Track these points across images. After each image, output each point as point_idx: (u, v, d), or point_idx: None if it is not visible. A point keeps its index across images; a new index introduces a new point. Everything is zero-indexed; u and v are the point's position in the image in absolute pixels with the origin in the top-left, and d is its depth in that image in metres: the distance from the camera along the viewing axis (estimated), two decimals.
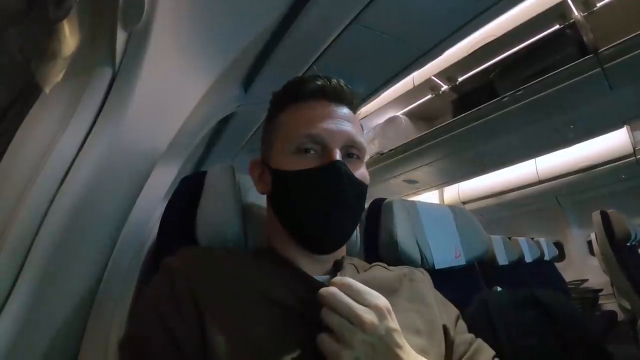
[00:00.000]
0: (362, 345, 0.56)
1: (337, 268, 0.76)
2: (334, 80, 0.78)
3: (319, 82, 0.76)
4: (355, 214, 0.76)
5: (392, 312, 0.61)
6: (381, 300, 0.60)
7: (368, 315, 0.57)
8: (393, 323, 0.59)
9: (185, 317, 0.59)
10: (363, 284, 0.66)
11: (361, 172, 0.76)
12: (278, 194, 0.75)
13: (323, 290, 0.60)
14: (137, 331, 0.62)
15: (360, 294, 0.60)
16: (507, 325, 1.17)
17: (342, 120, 0.74)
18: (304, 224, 0.72)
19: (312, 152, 0.72)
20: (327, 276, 0.73)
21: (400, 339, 0.59)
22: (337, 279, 0.63)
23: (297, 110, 0.76)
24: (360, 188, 0.75)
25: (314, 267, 0.74)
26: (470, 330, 0.83)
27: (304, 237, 0.73)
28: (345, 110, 0.77)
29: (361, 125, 0.83)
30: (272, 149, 0.77)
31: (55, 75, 0.77)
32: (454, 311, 0.84)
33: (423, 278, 0.87)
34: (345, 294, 0.59)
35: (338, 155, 0.71)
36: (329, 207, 0.70)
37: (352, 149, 0.75)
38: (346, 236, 0.76)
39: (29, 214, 0.71)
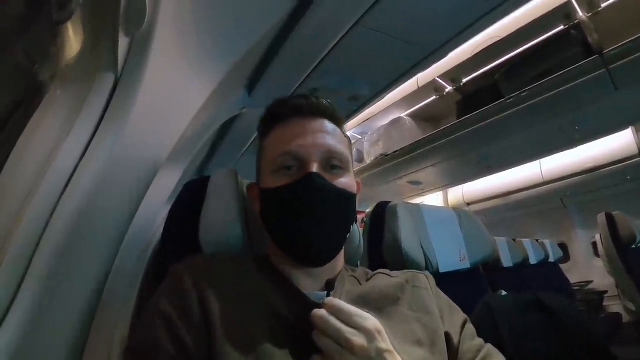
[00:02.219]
0: None
1: (330, 286, 0.76)
2: (313, 98, 0.80)
3: (296, 102, 0.79)
4: (340, 224, 0.76)
5: (383, 333, 0.61)
6: (370, 322, 0.60)
7: (357, 339, 0.57)
8: (384, 344, 0.59)
9: (193, 325, 0.60)
10: (364, 296, 0.67)
11: (345, 182, 0.76)
12: (265, 211, 0.78)
13: (314, 313, 0.61)
14: (145, 337, 0.62)
15: (350, 316, 0.60)
16: (512, 329, 1.16)
17: (318, 134, 0.76)
18: (288, 237, 0.73)
19: (292, 169, 0.73)
20: (323, 293, 0.73)
21: (392, 358, 0.59)
22: (328, 300, 0.63)
23: (275, 131, 0.79)
24: (342, 197, 0.75)
25: (309, 282, 0.75)
26: None
27: (291, 251, 0.73)
28: (322, 123, 0.79)
29: (347, 136, 0.84)
30: (260, 172, 0.80)
31: (58, 81, 0.77)
32: (460, 317, 0.83)
33: (426, 283, 0.86)
34: (335, 316, 0.60)
35: (315, 168, 0.72)
36: (307, 220, 0.71)
37: (332, 160, 0.76)
38: (333, 247, 0.76)
39: (32, 219, 0.70)
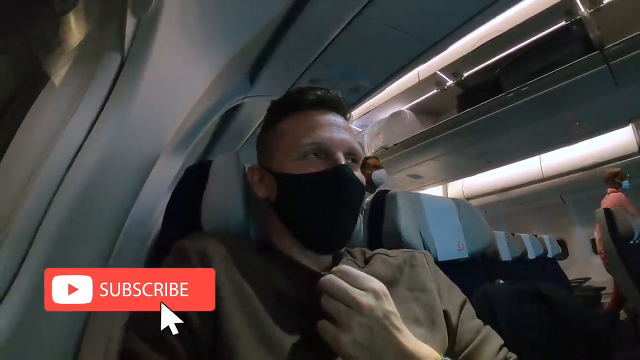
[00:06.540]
0: (360, 328, 0.57)
1: (337, 258, 0.80)
2: (332, 92, 0.82)
3: (319, 93, 0.80)
4: (357, 214, 0.80)
5: (389, 296, 0.63)
6: (377, 284, 0.62)
7: (365, 298, 0.59)
8: (390, 306, 0.61)
9: None
10: None
11: (360, 175, 0.79)
12: (285, 196, 0.77)
13: (322, 279, 0.63)
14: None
15: (357, 278, 0.62)
16: (510, 317, 1.17)
17: (341, 129, 0.78)
18: (313, 224, 0.74)
19: (318, 157, 0.75)
20: (327, 272, 0.74)
21: (398, 322, 0.60)
22: (334, 268, 0.65)
23: (298, 118, 0.79)
24: (362, 189, 0.78)
25: (314, 265, 0.76)
26: None
27: (311, 238, 0.75)
28: (342, 120, 0.81)
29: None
30: (273, 155, 0.80)
31: (64, 63, 0.78)
32: (459, 296, 0.84)
33: (424, 262, 0.87)
34: (342, 280, 0.61)
35: (343, 160, 0.74)
36: (338, 208, 0.74)
37: (352, 155, 0.79)
38: (349, 236, 0.79)
39: (34, 201, 0.70)
